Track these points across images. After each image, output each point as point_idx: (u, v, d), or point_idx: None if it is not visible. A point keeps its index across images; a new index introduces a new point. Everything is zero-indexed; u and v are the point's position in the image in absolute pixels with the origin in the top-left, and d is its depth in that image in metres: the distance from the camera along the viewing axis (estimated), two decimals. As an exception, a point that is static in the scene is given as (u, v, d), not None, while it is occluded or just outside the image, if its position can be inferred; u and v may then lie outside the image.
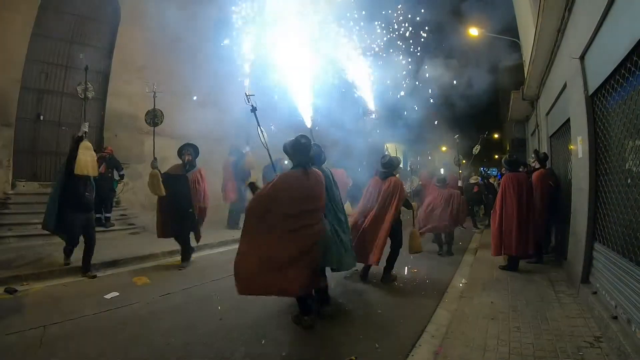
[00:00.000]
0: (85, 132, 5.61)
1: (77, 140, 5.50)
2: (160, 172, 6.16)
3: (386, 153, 6.47)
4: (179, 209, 6.16)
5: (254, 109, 4.91)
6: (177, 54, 10.82)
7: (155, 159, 6.22)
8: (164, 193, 6.07)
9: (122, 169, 9.03)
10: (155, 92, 6.47)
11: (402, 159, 6.96)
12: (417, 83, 14.49)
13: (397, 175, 5.98)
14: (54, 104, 9.24)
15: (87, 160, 5.50)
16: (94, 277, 5.55)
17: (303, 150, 4.07)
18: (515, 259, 6.22)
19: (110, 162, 8.72)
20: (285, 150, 4.23)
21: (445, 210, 7.88)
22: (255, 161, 9.89)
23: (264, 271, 3.71)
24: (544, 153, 7.32)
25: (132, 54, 10.11)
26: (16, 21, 8.27)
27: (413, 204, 6.34)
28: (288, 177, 4.05)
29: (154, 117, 6.80)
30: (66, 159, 5.57)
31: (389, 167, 5.88)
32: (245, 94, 4.95)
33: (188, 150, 6.39)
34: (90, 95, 6.05)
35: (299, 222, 3.88)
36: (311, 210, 3.98)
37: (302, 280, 3.79)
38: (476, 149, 9.18)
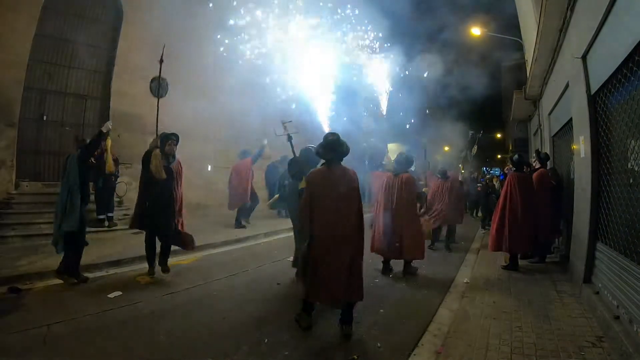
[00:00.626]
0: (109, 130, 5.61)
1: (101, 135, 5.44)
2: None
3: (401, 152, 6.79)
4: (161, 203, 5.53)
5: (290, 138, 4.90)
6: (179, 54, 10.84)
7: (158, 137, 5.70)
8: (164, 176, 5.51)
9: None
10: (162, 59, 6.05)
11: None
12: (417, 80, 14.55)
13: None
14: (57, 104, 9.27)
15: (111, 160, 5.50)
16: (86, 279, 5.32)
17: (330, 146, 3.99)
18: (516, 258, 6.30)
19: (116, 162, 8.75)
20: (317, 152, 4.18)
21: (446, 202, 8.18)
22: (271, 152, 10.48)
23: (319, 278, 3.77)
24: (545, 153, 7.34)
25: (134, 54, 10.13)
26: (19, 21, 8.30)
27: (425, 189, 6.54)
28: (312, 174, 4.06)
29: (158, 88, 6.58)
30: (83, 153, 5.31)
31: (403, 164, 6.20)
32: (282, 122, 4.93)
33: (173, 140, 5.77)
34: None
35: (335, 226, 3.80)
36: (340, 210, 3.83)
37: (340, 289, 3.74)
38: (474, 150, 9.27)
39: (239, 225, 9.83)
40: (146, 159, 5.53)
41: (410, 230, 5.87)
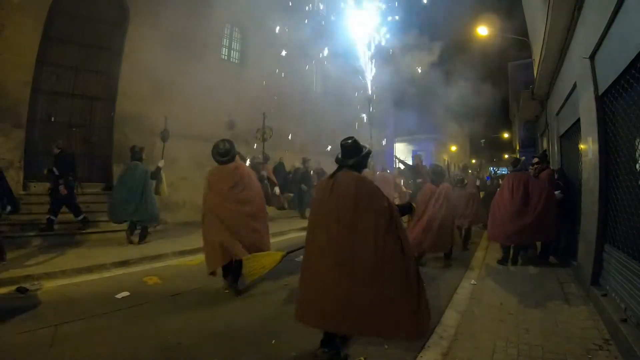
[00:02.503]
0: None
1: (159, 170, 7.60)
2: None
3: (438, 163, 7.95)
4: None
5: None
6: (186, 54, 10.90)
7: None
8: None
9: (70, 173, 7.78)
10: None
11: (411, 161, 7.40)
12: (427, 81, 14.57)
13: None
14: (64, 106, 9.34)
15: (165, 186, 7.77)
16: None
17: (342, 151, 3.36)
18: (507, 252, 6.61)
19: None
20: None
21: (464, 210, 8.52)
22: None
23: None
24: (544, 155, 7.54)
25: (141, 55, 10.19)
26: (27, 24, 8.37)
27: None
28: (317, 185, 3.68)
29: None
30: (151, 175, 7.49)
31: (440, 175, 7.16)
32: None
33: None
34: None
35: (325, 246, 3.15)
36: (331, 226, 3.10)
37: None
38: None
39: None
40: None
41: (452, 227, 6.88)
